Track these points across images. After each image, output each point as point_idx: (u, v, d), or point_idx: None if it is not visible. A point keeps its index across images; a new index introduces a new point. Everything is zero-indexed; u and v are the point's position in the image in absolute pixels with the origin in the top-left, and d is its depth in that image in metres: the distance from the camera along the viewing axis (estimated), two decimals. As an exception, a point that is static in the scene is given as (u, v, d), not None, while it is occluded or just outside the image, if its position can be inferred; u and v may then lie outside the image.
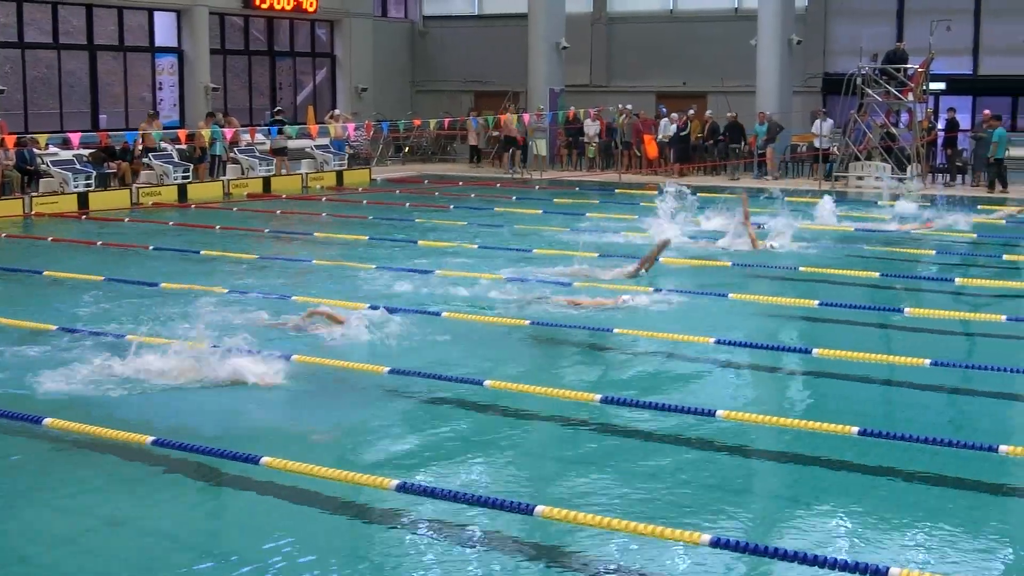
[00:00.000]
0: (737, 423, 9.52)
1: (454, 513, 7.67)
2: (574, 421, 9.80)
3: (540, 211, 24.78)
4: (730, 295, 14.65)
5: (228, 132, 28.04)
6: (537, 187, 30.75)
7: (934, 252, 19.38)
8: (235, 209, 25.68)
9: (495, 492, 8.01)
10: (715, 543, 6.76)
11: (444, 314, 13.41)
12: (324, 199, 27.65)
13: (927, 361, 11.11)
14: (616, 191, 29.47)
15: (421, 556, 7.12)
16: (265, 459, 8.20)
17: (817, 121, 32.37)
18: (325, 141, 32.46)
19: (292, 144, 31.69)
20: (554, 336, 12.69)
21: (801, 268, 16.96)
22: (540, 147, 34.28)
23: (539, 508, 7.29)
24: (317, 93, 40.06)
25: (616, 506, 7.86)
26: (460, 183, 31.60)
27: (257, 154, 30.41)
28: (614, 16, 40.53)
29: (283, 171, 30.56)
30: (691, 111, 33.94)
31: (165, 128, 29.50)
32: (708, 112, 34.60)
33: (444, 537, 7.40)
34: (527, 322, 13.03)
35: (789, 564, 6.69)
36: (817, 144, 31.91)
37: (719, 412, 9.56)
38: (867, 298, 15.23)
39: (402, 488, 7.74)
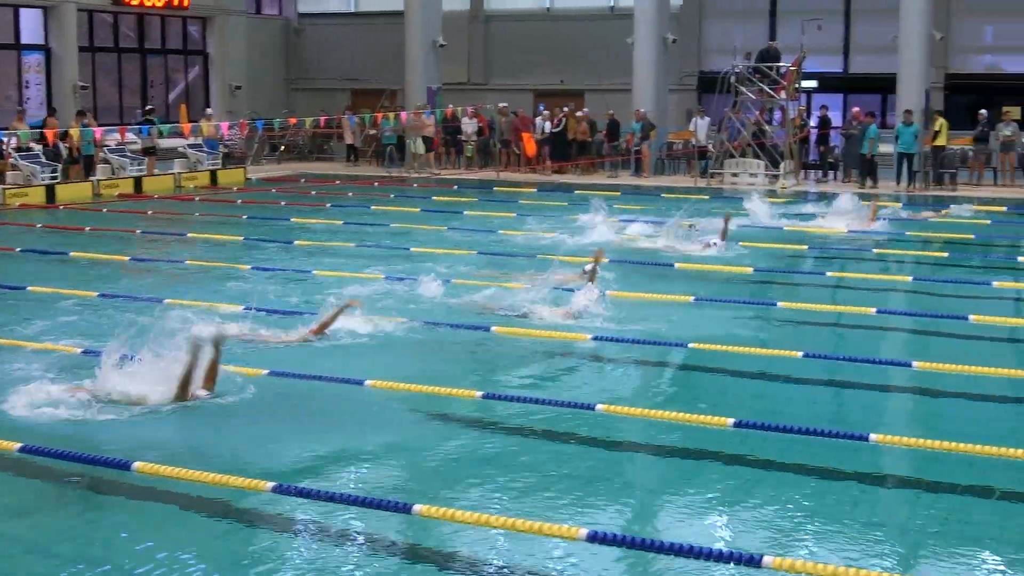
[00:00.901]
0: (615, 416, 9.53)
1: (332, 514, 7.52)
2: (454, 418, 9.70)
3: (418, 209, 24.63)
4: (607, 292, 14.69)
5: (97, 132, 27.39)
6: (415, 185, 30.59)
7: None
8: (105, 210, 25.05)
9: (373, 492, 7.87)
10: (592, 537, 6.72)
11: (320, 313, 13.19)
12: (197, 199, 27.15)
13: (800, 353, 11.27)
14: (495, 189, 29.45)
15: (298, 558, 6.96)
16: (137, 464, 7.97)
17: (694, 119, 32.76)
18: (198, 140, 31.87)
19: (164, 143, 31.06)
20: (439, 336, 12.54)
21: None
22: (418, 145, 34.13)
23: (417, 507, 7.19)
24: (190, 91, 39.37)
25: (495, 503, 7.78)
26: (337, 182, 31.31)
27: (128, 154, 29.72)
28: (491, 14, 40.54)
29: (154, 171, 29.93)
30: (567, 109, 34.09)
31: (31, 128, 28.67)
32: (585, 110, 34.78)
33: (322, 539, 7.25)
34: (413, 322, 12.88)
35: (666, 556, 6.67)
36: (693, 142, 32.29)
37: (598, 406, 9.55)
38: (746, 293, 15.32)
39: (278, 490, 7.57)
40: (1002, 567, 6.86)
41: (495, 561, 6.92)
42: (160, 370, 9.92)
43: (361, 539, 7.23)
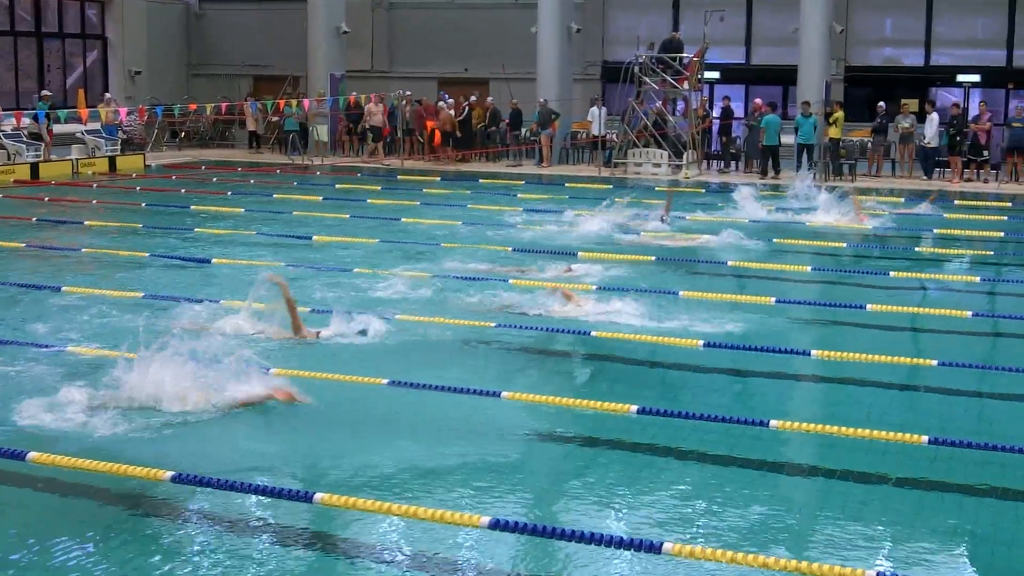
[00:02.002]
0: (520, 403, 9.51)
1: (232, 503, 7.41)
2: (357, 405, 9.59)
3: (320, 198, 24.40)
4: (510, 280, 14.68)
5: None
6: (318, 173, 30.31)
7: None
8: (0, 196, 24.44)
9: (274, 481, 7.76)
10: (494, 525, 6.70)
11: (222, 301, 13.00)
12: (95, 186, 26.59)
13: (700, 343, 11.36)
14: (398, 177, 29.29)
15: (199, 547, 6.85)
16: (32, 454, 7.82)
17: (593, 108, 32.85)
18: (96, 126, 31.23)
19: (61, 129, 30.38)
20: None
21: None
22: (321, 133, 33.83)
23: (318, 495, 7.12)
24: (88, 76, 38.57)
25: (396, 490, 7.71)
26: (239, 169, 30.89)
27: (24, 139, 29.02)
28: (395, 2, 40.30)
29: (51, 157, 29.28)
30: (473, 98, 34.03)
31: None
32: (489, 99, 34.75)
33: (222, 527, 7.14)
34: (310, 310, 12.72)
35: (567, 543, 6.67)
36: (595, 131, 32.41)
37: (503, 394, 9.52)
38: (649, 281, 15.35)
39: (177, 479, 7.46)
40: (897, 550, 6.95)
41: (396, 549, 6.87)
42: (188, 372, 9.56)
43: (262, 528, 7.12)
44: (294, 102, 33.52)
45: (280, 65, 39.33)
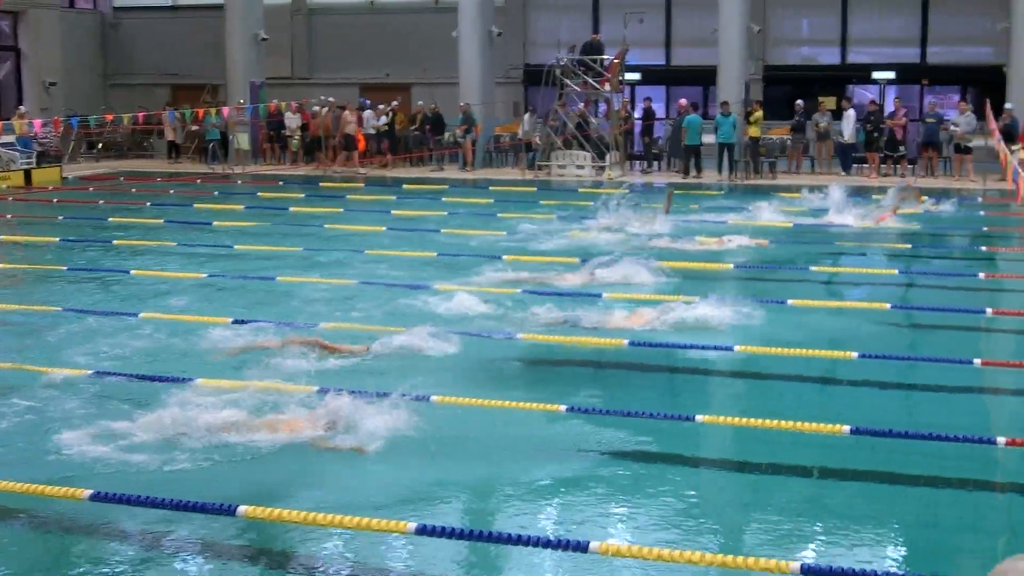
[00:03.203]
0: (448, 406, 9.42)
1: (155, 520, 7.27)
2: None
3: (242, 207, 24.15)
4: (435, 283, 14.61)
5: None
6: (239, 182, 30.03)
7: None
8: (-90, 212, 23.92)
9: (198, 496, 7.60)
10: (421, 530, 6.64)
11: (141, 314, 12.81)
12: (11, 199, 26.12)
13: (625, 342, 11.37)
14: (320, 184, 29.10)
15: (122, 566, 6.69)
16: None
17: (524, 115, 32.87)
18: (11, 139, 30.67)
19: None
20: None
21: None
22: (242, 141, 33.53)
23: (241, 508, 6.99)
24: (2, 89, 37.90)
25: (322, 501, 7.60)
26: (158, 179, 30.51)
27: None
28: (314, 7, 40.07)
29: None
30: (395, 103, 33.91)
31: None
32: (419, 103, 34.62)
33: (145, 545, 6.99)
34: (231, 320, 12.57)
35: (495, 545, 6.63)
36: (520, 134, 32.45)
37: (433, 397, 9.43)
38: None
39: (96, 498, 7.27)
40: (817, 543, 6.98)
41: (326, 559, 6.78)
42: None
43: (185, 544, 6.98)
44: (213, 111, 33.18)
45: (198, 73, 38.95)
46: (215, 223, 21.43)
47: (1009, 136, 26.44)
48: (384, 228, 20.24)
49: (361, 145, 33.28)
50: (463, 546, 6.79)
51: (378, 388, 9.47)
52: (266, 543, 7.05)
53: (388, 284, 14.73)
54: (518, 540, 6.52)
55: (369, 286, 14.64)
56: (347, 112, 32.62)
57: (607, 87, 31.16)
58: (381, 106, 33.25)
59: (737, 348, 11.22)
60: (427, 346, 11.22)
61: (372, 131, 33.17)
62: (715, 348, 11.32)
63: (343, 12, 39.68)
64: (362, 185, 28.61)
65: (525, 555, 6.66)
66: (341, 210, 22.96)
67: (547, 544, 6.48)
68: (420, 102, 34.69)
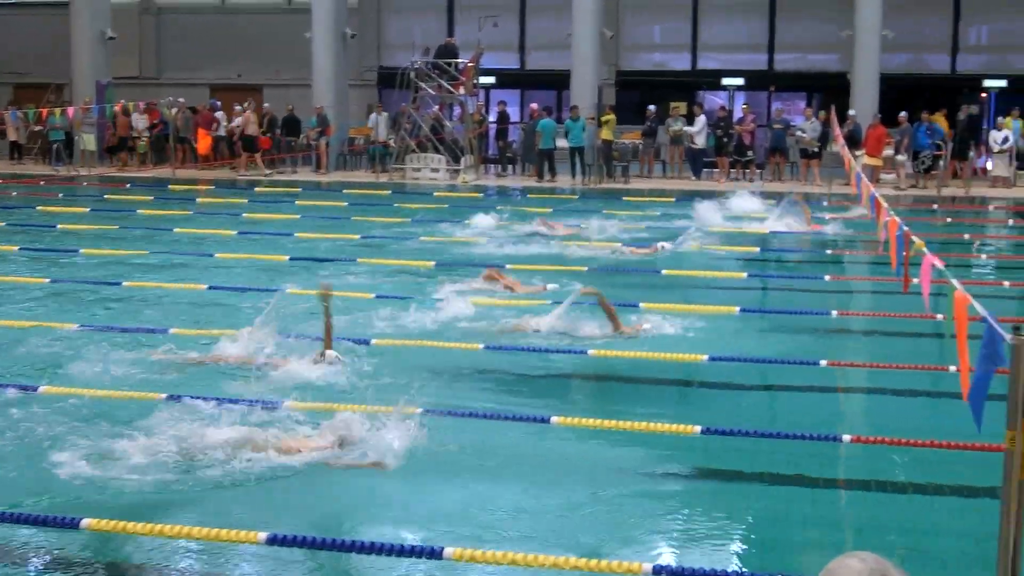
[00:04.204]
0: (304, 412, 9.26)
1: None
2: (118, 422, 9.17)
3: (88, 209, 23.52)
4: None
5: None
6: (85, 184, 29.24)
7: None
8: None
9: (37, 509, 7.34)
10: (272, 540, 6.51)
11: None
12: None
13: (480, 345, 11.35)
14: (169, 187, 28.50)
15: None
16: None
17: (373, 114, 32.71)
18: None
19: None
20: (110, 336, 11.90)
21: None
22: (88, 142, 32.65)
23: (85, 521, 6.77)
24: None
25: (167, 511, 7.39)
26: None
27: None
28: (163, 6, 39.29)
29: None
30: (247, 104, 33.40)
31: None
32: (266, 105, 34.16)
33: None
34: (76, 326, 12.19)
35: (345, 554, 6.52)
36: (374, 137, 32.26)
37: (285, 403, 9.27)
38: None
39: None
40: (669, 544, 7.01)
41: (173, 571, 6.59)
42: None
43: (27, 559, 6.72)
44: (58, 111, 32.26)
45: (42, 72, 37.84)
46: (60, 226, 20.81)
47: (853, 141, 27.22)
48: (235, 232, 19.90)
49: (205, 148, 32.53)
50: (317, 555, 6.66)
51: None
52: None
53: (238, 289, 14.48)
54: (371, 549, 6.42)
55: (218, 291, 14.37)
56: (249, 112, 32.03)
57: (462, 90, 31.18)
58: (237, 107, 32.75)
59: (591, 352, 11.30)
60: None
61: (223, 134, 32.62)
62: (569, 352, 11.38)
63: (193, 11, 38.96)
64: (211, 187, 28.11)
65: (379, 564, 6.55)
66: (191, 213, 22.53)
67: (402, 552, 6.40)
68: (267, 104, 34.22)
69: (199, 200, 25.20)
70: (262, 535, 6.53)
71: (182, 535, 6.69)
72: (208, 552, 6.81)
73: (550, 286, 14.53)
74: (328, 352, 10.40)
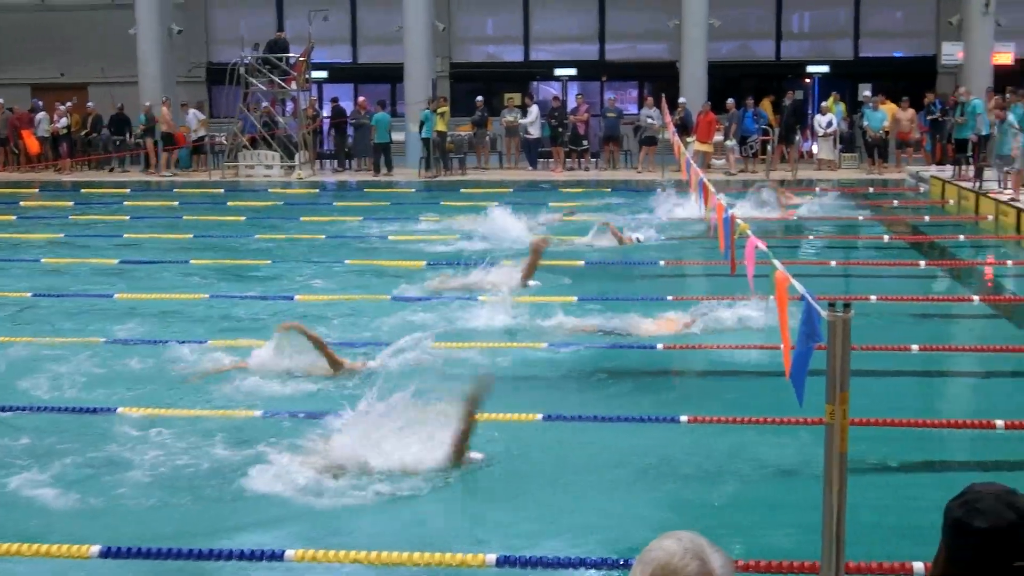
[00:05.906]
0: (131, 416, 9.04)
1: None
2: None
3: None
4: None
5: None
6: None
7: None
8: None
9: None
10: (105, 553, 6.35)
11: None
12: None
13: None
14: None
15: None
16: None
17: (191, 112, 31.95)
18: None
19: None
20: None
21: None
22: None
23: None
24: None
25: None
26: None
27: None
28: (-21, 4, 37.85)
29: None
30: (70, 104, 32.45)
31: None
32: (90, 104, 33.21)
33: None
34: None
35: (187, 562, 6.38)
36: (195, 135, 31.65)
37: (119, 409, 9.03)
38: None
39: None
40: (513, 534, 7.02)
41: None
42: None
43: None
44: (167, 111, 30.88)
45: None
46: None
47: (684, 129, 27.74)
48: (62, 235, 19.33)
49: (34, 149, 31.51)
50: (151, 565, 6.50)
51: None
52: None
53: (66, 295, 14.08)
54: (210, 555, 6.30)
55: (44, 297, 13.95)
56: (165, 110, 30.97)
57: (293, 85, 30.83)
58: (61, 107, 31.75)
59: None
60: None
61: (46, 134, 31.63)
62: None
63: (11, 9, 37.51)
64: (36, 190, 27.24)
65: (222, 570, 6.43)
66: (14, 218, 21.78)
67: (242, 556, 6.30)
68: (91, 103, 33.26)
69: (23, 204, 24.38)
70: (95, 548, 6.34)
71: (10, 553, 6.46)
72: (33, 565, 6.60)
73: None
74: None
